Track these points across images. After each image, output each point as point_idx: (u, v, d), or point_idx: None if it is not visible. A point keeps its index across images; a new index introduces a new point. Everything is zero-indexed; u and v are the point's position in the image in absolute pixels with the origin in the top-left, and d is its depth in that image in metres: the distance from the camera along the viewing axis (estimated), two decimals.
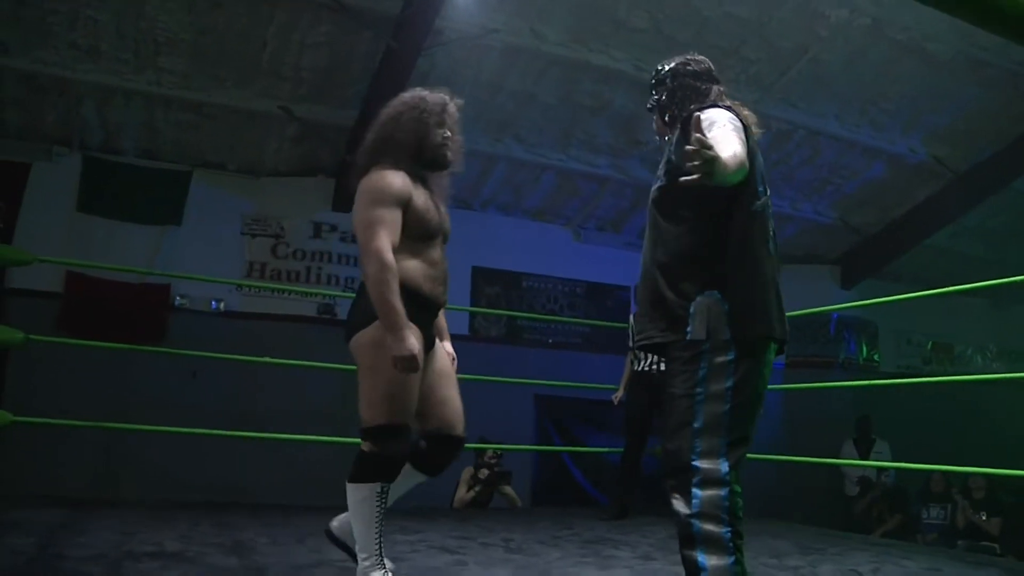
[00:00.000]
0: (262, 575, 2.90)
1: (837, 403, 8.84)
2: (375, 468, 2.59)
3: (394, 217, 2.61)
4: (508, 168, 7.95)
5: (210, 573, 2.88)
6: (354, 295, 2.73)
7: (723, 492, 2.07)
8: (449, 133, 2.79)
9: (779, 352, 2.33)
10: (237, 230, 7.40)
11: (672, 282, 2.23)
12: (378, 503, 2.58)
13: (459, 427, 2.86)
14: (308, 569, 3.02)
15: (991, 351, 10.92)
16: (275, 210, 7.49)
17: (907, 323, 10.23)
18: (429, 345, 2.77)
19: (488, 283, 8.48)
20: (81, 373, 6.21)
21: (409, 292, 2.60)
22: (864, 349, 10.06)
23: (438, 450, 2.83)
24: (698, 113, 2.19)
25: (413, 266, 2.65)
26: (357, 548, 2.63)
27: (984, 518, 6.98)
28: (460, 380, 5.86)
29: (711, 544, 2.04)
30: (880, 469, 7.99)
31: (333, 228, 7.64)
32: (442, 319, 2.94)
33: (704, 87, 2.48)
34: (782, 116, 7.43)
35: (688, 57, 2.56)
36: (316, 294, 7.32)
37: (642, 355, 5.41)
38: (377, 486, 2.58)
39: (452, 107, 2.84)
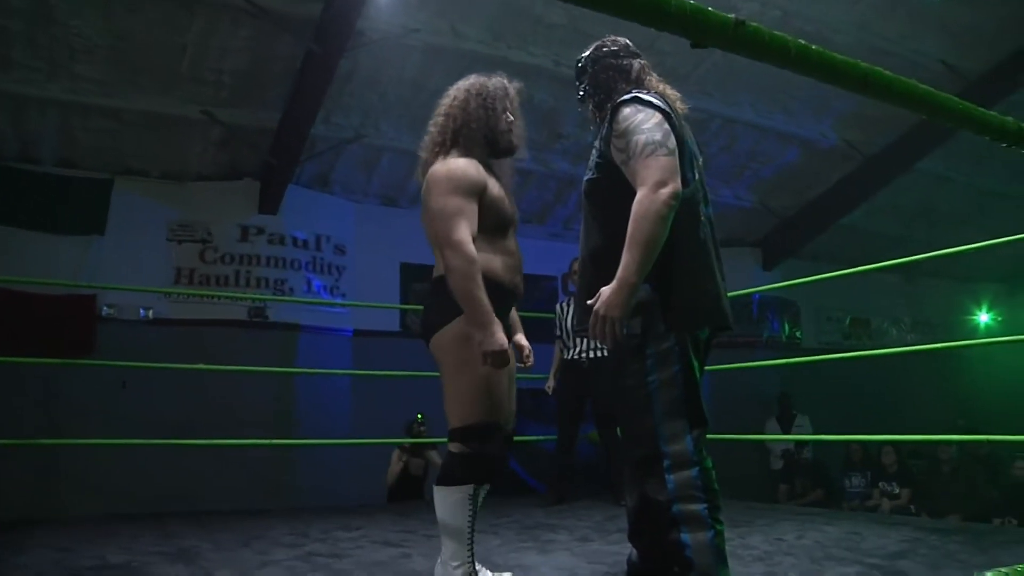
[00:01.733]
0: None
1: (763, 381, 9.14)
2: (469, 469, 2.46)
3: (473, 208, 2.49)
4: None
5: None
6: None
7: (694, 472, 2.15)
8: (512, 118, 2.70)
9: (718, 333, 2.40)
10: (163, 236, 7.29)
11: (605, 274, 2.22)
12: (471, 507, 2.45)
13: (512, 423, 2.74)
14: (254, 571, 3.06)
15: (905, 323, 11.41)
16: (201, 215, 7.40)
17: (827, 301, 10.59)
18: (507, 338, 2.62)
19: (417, 279, 8.46)
20: (8, 389, 6.07)
21: (491, 284, 2.46)
22: (786, 327, 10.40)
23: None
24: (619, 119, 2.27)
25: (493, 257, 2.52)
26: (447, 556, 2.47)
27: (896, 491, 7.34)
28: (394, 376, 5.97)
29: (691, 522, 2.11)
30: (800, 443, 8.30)
31: (260, 231, 7.58)
32: (514, 312, 2.81)
33: (626, 63, 2.49)
34: (699, 106, 7.63)
35: (603, 40, 2.57)
36: (246, 298, 7.26)
37: (571, 343, 5.47)
38: (470, 488, 2.45)
39: (513, 91, 2.74)
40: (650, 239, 2.10)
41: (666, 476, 2.15)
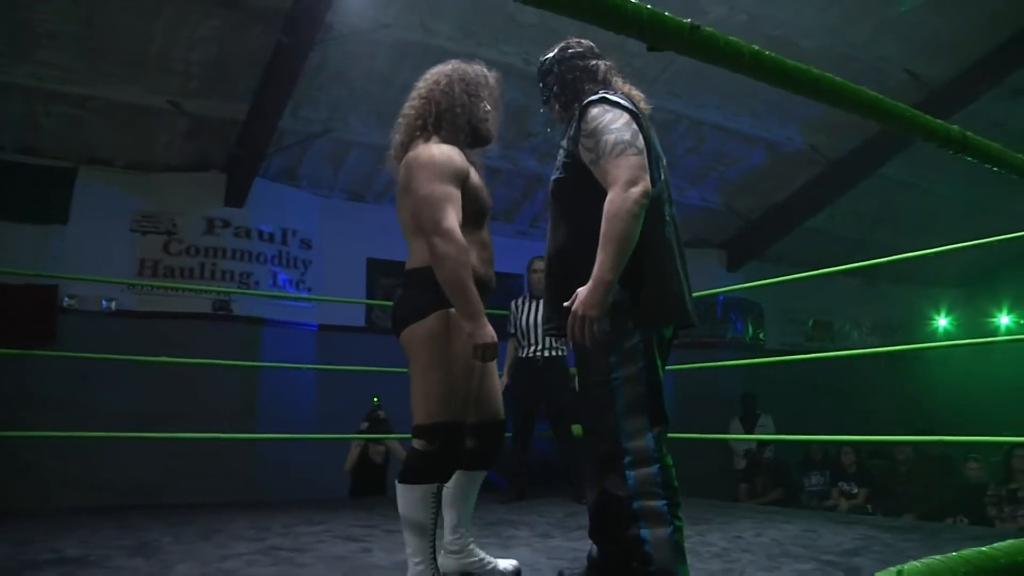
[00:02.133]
0: (168, 572, 2.92)
1: (727, 382, 9.26)
2: (432, 468, 2.43)
3: (459, 195, 2.43)
4: None
5: (116, 574, 2.88)
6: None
7: (654, 469, 2.18)
8: (490, 107, 2.66)
9: (681, 331, 2.44)
10: (127, 227, 7.19)
11: (574, 272, 2.25)
12: (433, 504, 2.43)
13: (500, 412, 2.75)
14: (215, 564, 3.05)
15: (866, 326, 11.60)
16: (167, 206, 7.31)
17: (790, 303, 10.72)
18: None
19: (384, 274, 8.47)
20: None
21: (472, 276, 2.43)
22: (750, 328, 10.51)
23: (487, 439, 2.72)
24: (587, 120, 2.29)
25: (469, 248, 2.45)
26: (409, 552, 2.44)
27: (854, 491, 7.47)
28: (359, 371, 5.95)
29: (650, 518, 2.14)
30: (762, 443, 8.41)
31: (226, 224, 7.50)
32: None
33: (592, 64, 2.49)
34: (666, 107, 7.69)
35: (568, 41, 2.57)
36: (211, 291, 7.20)
37: (525, 341, 5.49)
38: (433, 487, 2.43)
39: (493, 79, 2.70)
40: (624, 237, 2.12)
41: (627, 472, 2.17)
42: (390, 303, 8.19)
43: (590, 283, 2.14)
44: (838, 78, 1.12)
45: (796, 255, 10.03)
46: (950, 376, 9.48)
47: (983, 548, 1.00)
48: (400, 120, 2.65)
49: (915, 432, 7.61)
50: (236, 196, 7.43)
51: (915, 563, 0.89)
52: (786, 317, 10.93)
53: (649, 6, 0.97)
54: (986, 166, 1.38)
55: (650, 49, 0.93)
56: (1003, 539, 3.85)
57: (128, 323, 6.83)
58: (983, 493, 6.80)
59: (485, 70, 2.70)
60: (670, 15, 0.91)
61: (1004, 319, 11.46)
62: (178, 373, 6.01)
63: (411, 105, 2.63)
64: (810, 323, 11.18)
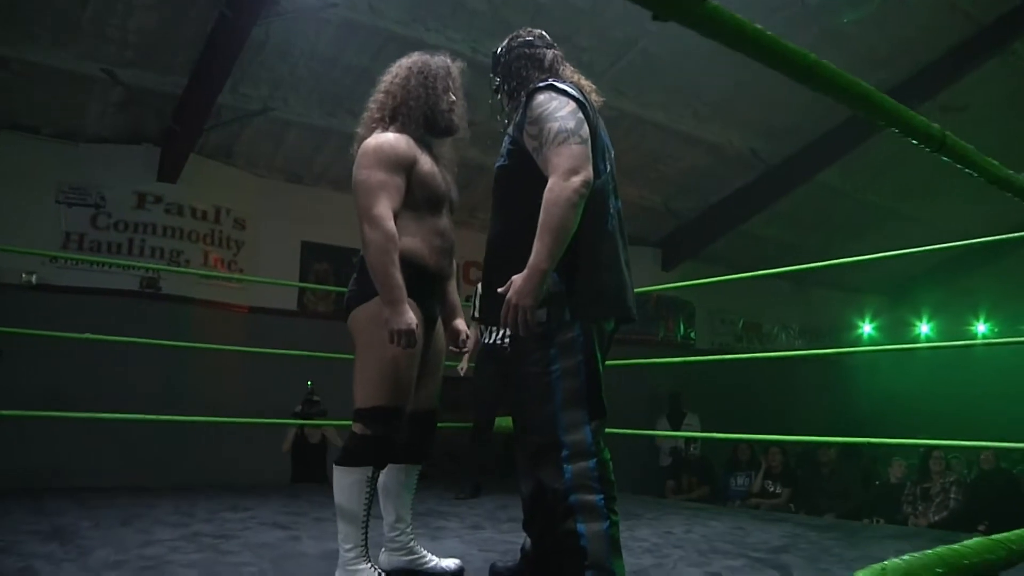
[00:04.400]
0: (85, 559, 2.81)
1: (656, 379, 9.36)
2: (368, 451, 2.43)
3: (396, 182, 2.47)
4: (341, 142, 7.72)
5: (28, 560, 2.75)
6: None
7: (591, 463, 2.15)
8: (455, 98, 2.67)
9: (621, 325, 2.41)
10: (52, 198, 6.92)
11: (512, 259, 2.22)
12: (368, 490, 2.43)
13: (436, 401, 2.73)
14: (135, 551, 2.95)
15: (794, 329, 11.88)
16: (95, 178, 7.05)
17: (721, 303, 10.92)
18: (430, 322, 2.62)
19: (317, 258, 8.38)
20: None
21: (411, 263, 2.46)
22: (682, 327, 10.67)
23: (418, 430, 2.68)
24: (532, 105, 2.26)
25: (416, 234, 2.51)
26: (340, 538, 2.44)
27: (776, 490, 7.64)
28: (291, 356, 5.85)
29: (586, 512, 2.11)
30: (688, 441, 8.52)
31: (158, 199, 7.29)
32: (453, 295, 2.79)
33: (539, 52, 2.48)
34: (611, 103, 7.62)
35: (519, 31, 2.56)
36: (139, 267, 6.98)
37: (486, 329, 5.26)
38: (368, 470, 2.43)
39: (456, 70, 2.71)
40: (561, 226, 2.10)
41: (564, 466, 2.14)
42: (323, 287, 8.08)
43: (525, 271, 2.12)
44: (833, 65, 1.12)
45: (730, 256, 10.19)
46: (874, 380, 9.77)
47: (954, 546, 1.01)
48: (364, 114, 2.69)
49: (839, 434, 7.81)
50: (169, 171, 7.22)
51: (896, 560, 0.89)
52: (717, 317, 11.12)
53: None
54: (966, 170, 1.39)
55: (655, 18, 0.90)
56: (915, 536, 3.97)
57: (50, 298, 6.57)
58: (901, 492, 7.04)
59: (448, 61, 2.70)
60: None
61: (924, 327, 11.88)
62: (101, 352, 5.81)
63: (373, 99, 2.67)
64: (740, 324, 11.38)
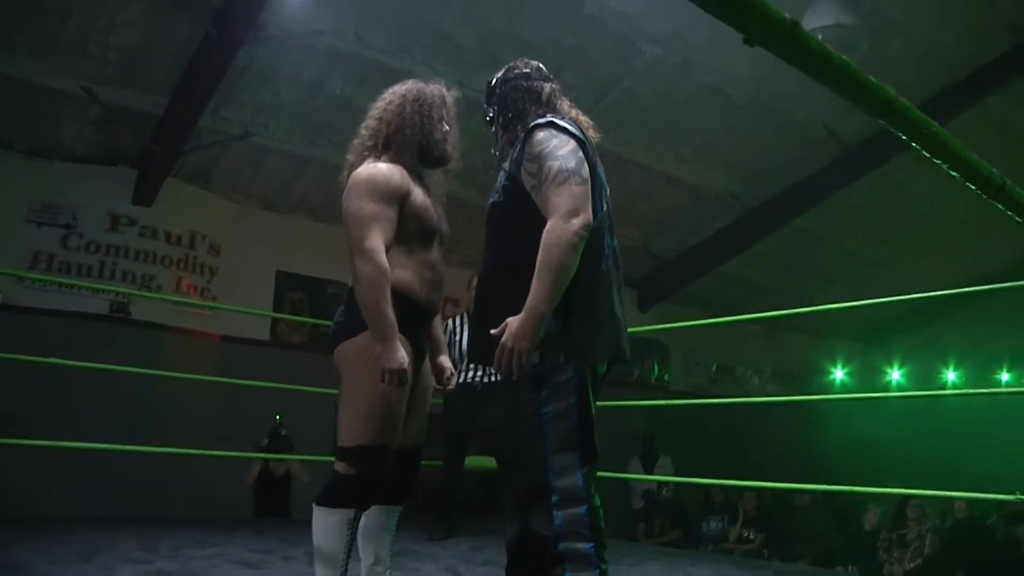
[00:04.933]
0: None
1: (629, 420, 9.28)
2: (352, 492, 2.35)
3: (389, 214, 2.42)
4: (321, 171, 7.62)
5: None
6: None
7: (582, 509, 2.07)
8: (448, 127, 2.64)
9: (614, 366, 2.35)
10: (22, 217, 6.71)
11: (502, 301, 2.18)
12: (348, 531, 2.34)
13: (421, 438, 2.65)
14: None
15: (766, 373, 11.91)
16: (68, 198, 6.84)
17: (696, 345, 10.92)
18: (419, 358, 2.54)
19: (292, 288, 8.23)
20: None
21: (402, 297, 2.40)
22: (656, 368, 10.64)
23: (402, 468, 2.57)
24: (530, 143, 2.21)
25: (408, 268, 2.46)
26: None
27: (750, 535, 7.58)
28: (261, 388, 5.71)
29: (576, 560, 2.03)
30: (661, 483, 8.44)
31: (132, 222, 7.11)
32: (437, 330, 2.72)
33: (536, 85, 2.44)
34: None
35: (515, 63, 2.53)
36: (109, 290, 6.76)
37: (463, 364, 5.18)
38: (350, 512, 2.34)
39: (451, 99, 2.68)
40: (561, 268, 2.05)
41: (553, 512, 2.07)
42: (297, 317, 7.97)
43: (522, 314, 2.06)
44: (915, 108, 1.07)
45: (705, 298, 10.20)
46: (847, 425, 9.79)
47: None
48: (355, 140, 2.64)
49: (813, 480, 7.80)
50: (145, 194, 7.07)
51: None
52: (692, 359, 11.13)
53: None
54: (1017, 218, 1.34)
55: (746, 42, 0.83)
56: None
57: (16, 319, 6.33)
58: (875, 539, 7.00)
59: (444, 90, 2.67)
60: (771, 5, 0.83)
61: (895, 374, 11.97)
62: (69, 377, 5.59)
63: (365, 126, 2.63)
64: (714, 367, 11.39)
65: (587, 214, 2.11)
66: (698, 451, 8.81)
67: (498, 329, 2.10)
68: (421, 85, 2.64)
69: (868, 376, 11.90)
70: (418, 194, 2.51)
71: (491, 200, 2.37)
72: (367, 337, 2.34)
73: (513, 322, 2.07)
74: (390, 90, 2.66)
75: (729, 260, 9.77)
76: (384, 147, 2.54)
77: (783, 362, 11.88)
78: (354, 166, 2.55)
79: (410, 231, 2.47)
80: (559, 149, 2.18)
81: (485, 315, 2.26)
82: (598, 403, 2.27)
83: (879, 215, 9.30)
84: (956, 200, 8.14)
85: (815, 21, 5.76)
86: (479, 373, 5.11)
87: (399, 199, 2.44)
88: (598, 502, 2.13)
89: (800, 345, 11.77)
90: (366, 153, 2.56)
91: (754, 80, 7.24)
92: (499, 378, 5.36)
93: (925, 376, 11.56)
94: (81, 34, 5.96)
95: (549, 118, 2.27)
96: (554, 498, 2.07)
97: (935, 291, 4.05)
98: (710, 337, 10.46)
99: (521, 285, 2.10)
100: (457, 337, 5.38)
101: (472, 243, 9.89)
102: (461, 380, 5.11)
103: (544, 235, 2.08)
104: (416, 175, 2.57)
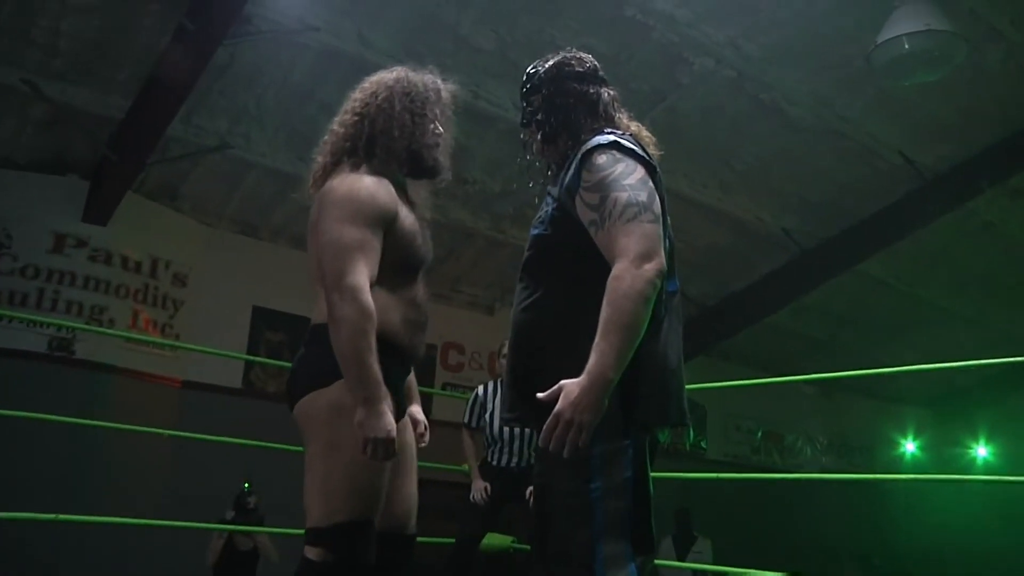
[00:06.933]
0: None
1: (659, 492, 8.94)
2: None
3: (376, 243, 2.23)
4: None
5: None
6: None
7: None
8: (441, 130, 2.47)
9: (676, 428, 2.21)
10: None
11: (546, 352, 2.09)
12: None
13: (411, 523, 2.47)
14: None
15: (821, 442, 11.63)
16: (2, 212, 6.68)
17: (738, 407, 10.72)
18: (401, 414, 2.38)
19: (271, 327, 8.13)
20: None
21: (384, 343, 2.20)
22: (691, 434, 10.33)
23: (387, 555, 2.35)
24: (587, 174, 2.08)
25: (391, 308, 2.27)
26: None
27: None
28: (230, 443, 5.44)
29: None
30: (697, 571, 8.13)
31: (82, 243, 6.92)
32: (411, 376, 2.55)
33: (592, 90, 2.30)
34: None
35: (568, 55, 2.37)
36: (49, 323, 6.52)
37: (497, 447, 5.10)
38: None
39: (447, 94, 2.52)
40: (633, 325, 1.92)
41: None
42: (275, 362, 7.73)
43: (585, 378, 1.89)
44: None
45: (747, 352, 10.07)
46: (919, 509, 9.48)
47: None
48: (326, 137, 2.47)
49: (872, 571, 7.54)
50: (98, 210, 6.92)
51: None
52: (732, 423, 10.94)
53: None
54: None
55: None
56: None
57: None
58: None
59: (437, 80, 2.52)
60: None
61: (981, 450, 11.54)
62: None
63: (341, 121, 2.45)
64: (759, 433, 11.13)
65: (661, 258, 1.97)
66: (740, 533, 8.51)
67: (548, 393, 1.92)
68: (411, 74, 2.46)
69: (945, 450, 11.57)
70: (406, 216, 2.35)
71: (534, 231, 2.24)
72: (341, 390, 2.15)
73: (572, 387, 1.89)
74: (373, 78, 2.48)
75: (779, 309, 9.56)
76: (367, 152, 2.35)
77: (841, 430, 11.65)
78: (325, 169, 2.39)
79: (395, 261, 2.30)
80: (626, 177, 2.06)
81: (527, 370, 2.13)
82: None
83: (962, 259, 9.12)
84: None
85: (901, 26, 5.54)
86: (517, 460, 5.04)
87: (386, 223, 2.27)
88: None
89: (861, 410, 11.57)
90: (343, 157, 2.37)
91: (816, 98, 7.09)
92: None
93: (1019, 454, 11.13)
94: (24, 17, 5.72)
95: (612, 137, 2.14)
96: None
97: None
98: (754, 398, 10.27)
99: (570, 337, 2.00)
100: (491, 407, 5.19)
101: (481, 282, 9.76)
102: (497, 464, 5.09)
103: (611, 282, 1.95)
104: (401, 189, 2.40)
